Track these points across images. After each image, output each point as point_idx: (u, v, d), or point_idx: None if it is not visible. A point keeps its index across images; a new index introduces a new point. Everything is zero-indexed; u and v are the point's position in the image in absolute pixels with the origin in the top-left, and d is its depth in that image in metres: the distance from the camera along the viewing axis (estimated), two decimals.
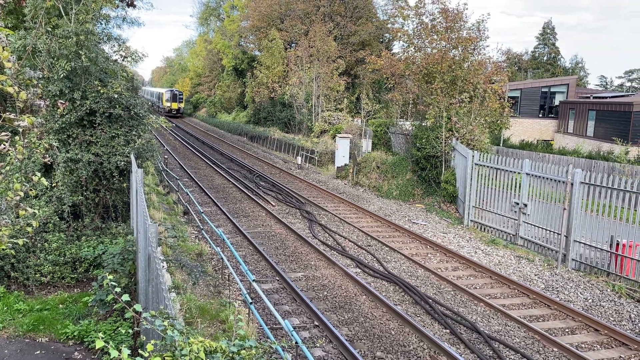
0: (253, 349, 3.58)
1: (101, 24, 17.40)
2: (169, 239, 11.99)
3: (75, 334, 9.24)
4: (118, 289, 3.91)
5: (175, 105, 66.81)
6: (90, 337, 9.05)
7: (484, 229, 17.23)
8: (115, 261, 9.81)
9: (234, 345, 3.48)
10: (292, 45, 45.15)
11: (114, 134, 13.11)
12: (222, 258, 11.23)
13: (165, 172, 22.53)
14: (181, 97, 68.08)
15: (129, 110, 13.43)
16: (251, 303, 8.93)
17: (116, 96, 13.11)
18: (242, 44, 56.25)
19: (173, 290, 9.31)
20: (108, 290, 4.16)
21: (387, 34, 45.87)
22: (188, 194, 18.25)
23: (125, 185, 13.25)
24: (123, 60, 15.35)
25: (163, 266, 9.20)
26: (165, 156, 26.63)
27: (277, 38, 42.89)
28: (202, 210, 15.96)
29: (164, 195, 19.16)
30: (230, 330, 8.44)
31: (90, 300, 9.78)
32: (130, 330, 8.11)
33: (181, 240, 12.98)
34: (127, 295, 3.71)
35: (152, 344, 3.27)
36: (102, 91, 12.97)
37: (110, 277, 4.09)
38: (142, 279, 7.09)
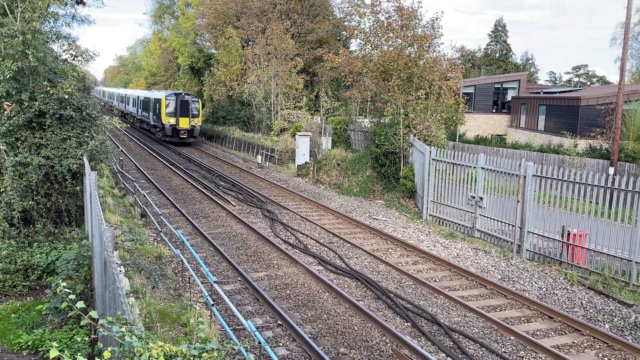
0: (215, 351, 3.54)
1: (49, 22, 16.74)
2: (126, 243, 11.69)
3: (29, 343, 8.90)
4: (72, 296, 3.79)
5: (185, 123, 38.17)
6: (45, 347, 8.74)
7: (443, 222, 17.60)
8: (69, 267, 9.49)
9: (194, 348, 3.43)
10: (250, 43, 44.77)
11: (65, 136, 12.67)
12: (182, 260, 11.05)
13: (121, 174, 21.96)
14: (196, 107, 38.83)
15: (80, 111, 13.00)
16: (213, 305, 8.82)
17: (67, 97, 12.66)
18: (198, 42, 55.32)
19: (131, 294, 9.11)
20: (62, 297, 4.03)
21: (344, 32, 46.07)
22: (145, 196, 17.85)
23: (78, 188, 12.83)
24: (73, 59, 14.84)
25: (120, 271, 8.97)
26: (121, 157, 25.94)
27: (234, 36, 42.42)
28: (160, 212, 15.65)
29: (120, 197, 18.67)
30: (192, 333, 8.31)
31: (44, 308, 9.44)
32: (87, 338, 7.87)
33: (139, 243, 12.69)
34: (82, 302, 3.59)
35: (109, 351, 3.18)
36: (51, 92, 12.50)
37: (64, 284, 3.96)
38: (99, 284, 6.89)
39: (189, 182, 23.88)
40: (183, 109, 37.92)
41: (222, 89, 43.11)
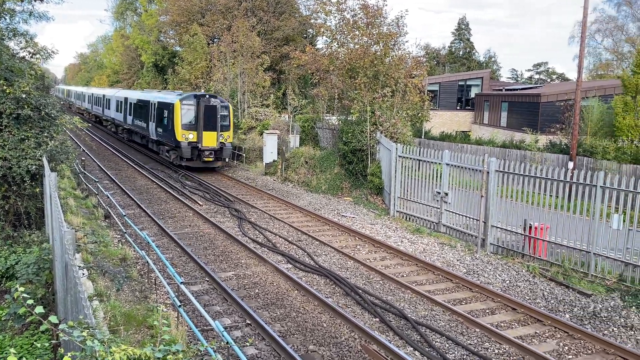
0: (180, 352, 3.50)
1: (5, 18, 16.19)
2: (89, 245, 11.42)
3: None
4: (31, 301, 3.68)
5: (211, 140, 26.16)
6: (6, 353, 8.47)
7: (409, 218, 17.82)
8: (29, 271, 9.22)
9: (159, 350, 3.38)
10: (215, 40, 44.29)
11: (23, 137, 12.27)
12: (147, 262, 10.86)
13: (83, 174, 21.42)
14: (227, 115, 27.05)
15: (39, 110, 12.61)
16: (180, 306, 8.71)
17: (24, 96, 12.26)
18: (162, 39, 54.44)
19: (95, 298, 8.90)
20: (21, 302, 3.92)
21: (310, 30, 46.12)
22: (109, 197, 17.46)
23: (38, 190, 12.45)
24: (31, 57, 14.41)
25: (83, 274, 8.76)
26: (83, 158, 25.28)
27: (199, 33, 41.90)
28: (124, 213, 15.34)
29: (82, 199, 18.22)
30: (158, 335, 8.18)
31: (3, 314, 9.13)
32: (47, 344, 7.67)
33: (103, 245, 12.41)
34: (40, 307, 3.50)
35: (69, 357, 3.10)
36: (8, 91, 12.08)
37: (22, 288, 3.85)
38: (60, 288, 6.72)
39: (154, 182, 23.48)
40: (208, 118, 25.65)
41: (187, 88, 42.54)
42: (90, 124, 44.62)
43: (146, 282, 11.32)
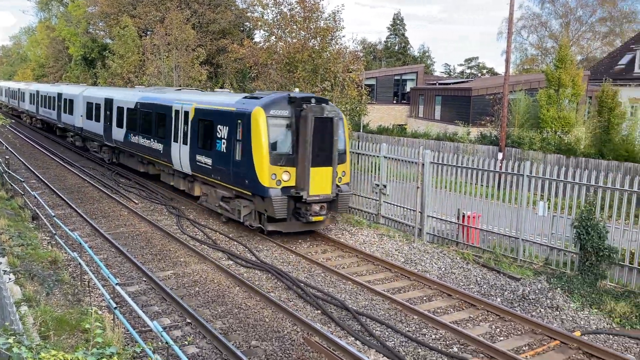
0: (115, 355, 3.40)
1: None
2: (15, 248, 10.80)
3: None
4: None
5: (324, 184, 13.75)
6: None
7: (350, 211, 18.04)
8: None
9: (91, 354, 3.26)
10: (148, 33, 42.85)
11: None
12: (80, 264, 10.42)
13: (7, 174, 20.18)
14: (342, 132, 14.67)
15: None
16: (115, 308, 8.43)
17: None
18: (90, 31, 52.04)
19: (24, 303, 8.45)
20: None
21: (247, 23, 45.57)
22: (36, 197, 16.56)
23: None
24: None
25: (9, 279, 8.30)
26: (6, 156, 23.82)
27: (130, 25, 40.35)
28: (53, 214, 14.60)
29: (6, 200, 17.19)
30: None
31: None
32: None
33: (31, 248, 11.76)
34: None
35: None
36: None
37: None
38: None
39: (86, 180, 22.49)
40: (320, 142, 13.77)
41: (119, 82, 40.92)
42: (11, 120, 41.70)
43: (79, 285, 10.86)
